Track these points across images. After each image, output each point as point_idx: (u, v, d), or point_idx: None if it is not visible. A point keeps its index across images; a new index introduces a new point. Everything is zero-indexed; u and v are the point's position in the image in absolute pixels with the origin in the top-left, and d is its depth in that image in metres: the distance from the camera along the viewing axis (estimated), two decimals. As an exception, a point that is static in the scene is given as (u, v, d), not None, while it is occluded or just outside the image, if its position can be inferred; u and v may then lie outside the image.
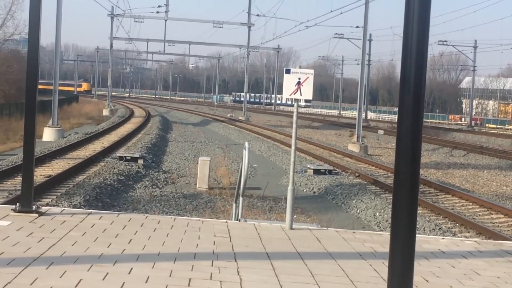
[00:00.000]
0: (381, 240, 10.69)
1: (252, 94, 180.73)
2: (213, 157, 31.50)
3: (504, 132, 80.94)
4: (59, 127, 41.96)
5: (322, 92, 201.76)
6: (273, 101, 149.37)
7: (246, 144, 12.90)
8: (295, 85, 11.17)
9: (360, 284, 8.01)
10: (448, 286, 8.28)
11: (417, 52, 5.72)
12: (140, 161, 28.14)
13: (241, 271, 8.12)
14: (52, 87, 44.11)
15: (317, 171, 28.01)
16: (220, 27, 76.40)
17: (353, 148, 43.43)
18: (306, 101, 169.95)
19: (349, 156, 36.98)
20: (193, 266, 8.16)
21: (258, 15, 74.46)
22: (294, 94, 11.19)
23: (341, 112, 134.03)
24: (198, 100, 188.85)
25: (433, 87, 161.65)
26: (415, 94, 5.74)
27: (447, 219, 19.10)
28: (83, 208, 16.61)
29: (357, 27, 64.64)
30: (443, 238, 11.87)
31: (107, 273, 7.53)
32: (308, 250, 9.61)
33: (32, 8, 10.76)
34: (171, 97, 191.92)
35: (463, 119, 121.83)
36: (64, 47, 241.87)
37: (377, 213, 19.95)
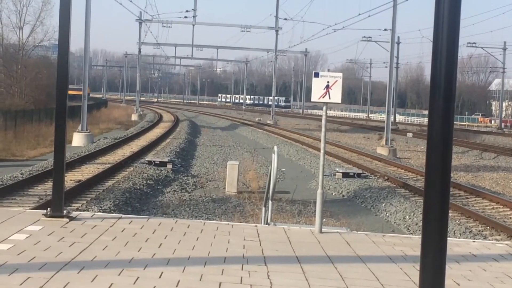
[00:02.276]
0: (411, 244, 10.64)
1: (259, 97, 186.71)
2: (242, 161, 31.52)
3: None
4: (88, 132, 42.23)
5: (350, 95, 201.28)
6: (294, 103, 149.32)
7: (275, 148, 12.90)
8: (324, 89, 11.15)
9: (390, 288, 7.98)
10: (480, 289, 8.22)
11: (447, 56, 5.69)
12: (169, 166, 28.24)
13: (271, 275, 8.12)
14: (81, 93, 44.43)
15: (346, 175, 27.95)
16: (248, 31, 76.50)
17: (382, 151, 43.25)
18: (285, 101, 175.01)
19: (378, 159, 36.84)
20: (223, 270, 8.17)
21: (285, 19, 74.34)
22: (323, 97, 11.17)
23: (370, 115, 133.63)
24: (226, 104, 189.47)
25: (462, 89, 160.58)
26: (446, 97, 5.71)
27: (477, 222, 18.98)
28: (113, 213, 16.70)
29: (385, 29, 64.32)
30: (474, 241, 11.79)
31: (138, 277, 7.56)
32: (338, 254, 9.59)
33: (62, 14, 10.84)
34: (199, 102, 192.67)
35: (492, 121, 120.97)
36: (93, 53, 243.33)
37: (407, 216, 19.87)
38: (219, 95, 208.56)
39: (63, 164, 10.88)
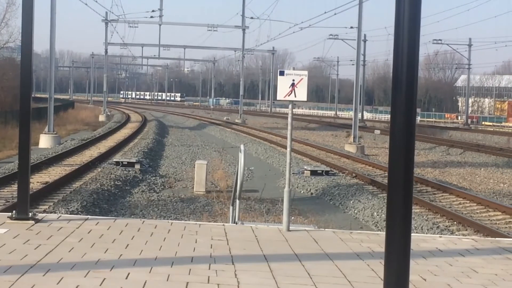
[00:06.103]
0: (379, 240, 10.68)
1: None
2: (210, 160, 31.49)
3: (500, 130, 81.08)
4: (55, 134, 41.89)
5: (318, 93, 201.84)
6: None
7: (242, 146, 12.91)
8: (289, 87, 11.16)
9: (357, 285, 8.01)
10: (446, 284, 8.28)
11: (408, 52, 5.72)
12: (137, 166, 28.11)
13: (238, 273, 8.12)
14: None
15: (314, 172, 28.00)
16: (215, 30, 76.35)
17: (350, 148, 43.43)
18: (181, 96, 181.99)
19: (346, 156, 36.97)
20: (190, 269, 8.15)
21: (252, 18, 74.35)
22: (289, 96, 11.18)
23: (337, 113, 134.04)
24: (194, 104, 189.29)
25: (428, 86, 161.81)
26: (407, 93, 5.74)
27: (444, 217, 19.11)
28: (80, 214, 16.60)
29: (351, 27, 64.71)
30: (440, 237, 11.87)
31: (104, 279, 7.53)
32: (306, 252, 9.61)
33: (24, 15, 10.75)
34: (167, 101, 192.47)
35: (459, 117, 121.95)
36: (59, 54, 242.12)
37: (375, 213, 19.95)
38: (121, 92, 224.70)
39: (28, 166, 10.80)
